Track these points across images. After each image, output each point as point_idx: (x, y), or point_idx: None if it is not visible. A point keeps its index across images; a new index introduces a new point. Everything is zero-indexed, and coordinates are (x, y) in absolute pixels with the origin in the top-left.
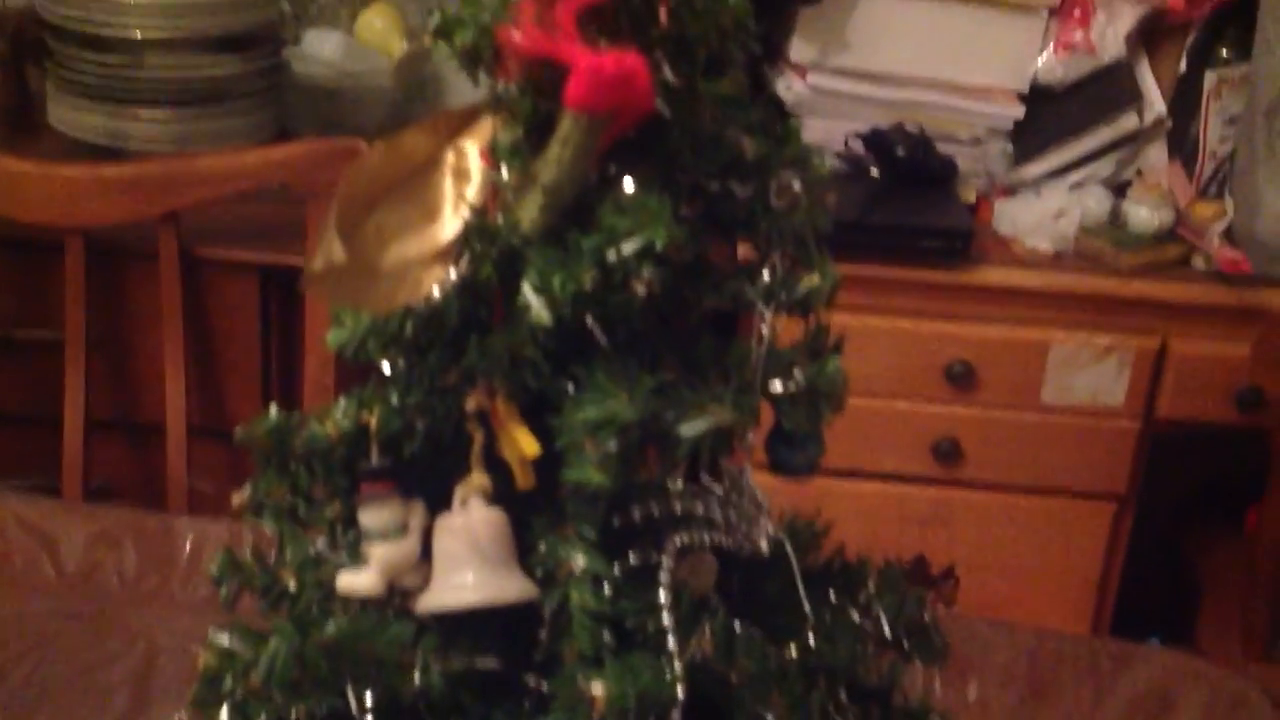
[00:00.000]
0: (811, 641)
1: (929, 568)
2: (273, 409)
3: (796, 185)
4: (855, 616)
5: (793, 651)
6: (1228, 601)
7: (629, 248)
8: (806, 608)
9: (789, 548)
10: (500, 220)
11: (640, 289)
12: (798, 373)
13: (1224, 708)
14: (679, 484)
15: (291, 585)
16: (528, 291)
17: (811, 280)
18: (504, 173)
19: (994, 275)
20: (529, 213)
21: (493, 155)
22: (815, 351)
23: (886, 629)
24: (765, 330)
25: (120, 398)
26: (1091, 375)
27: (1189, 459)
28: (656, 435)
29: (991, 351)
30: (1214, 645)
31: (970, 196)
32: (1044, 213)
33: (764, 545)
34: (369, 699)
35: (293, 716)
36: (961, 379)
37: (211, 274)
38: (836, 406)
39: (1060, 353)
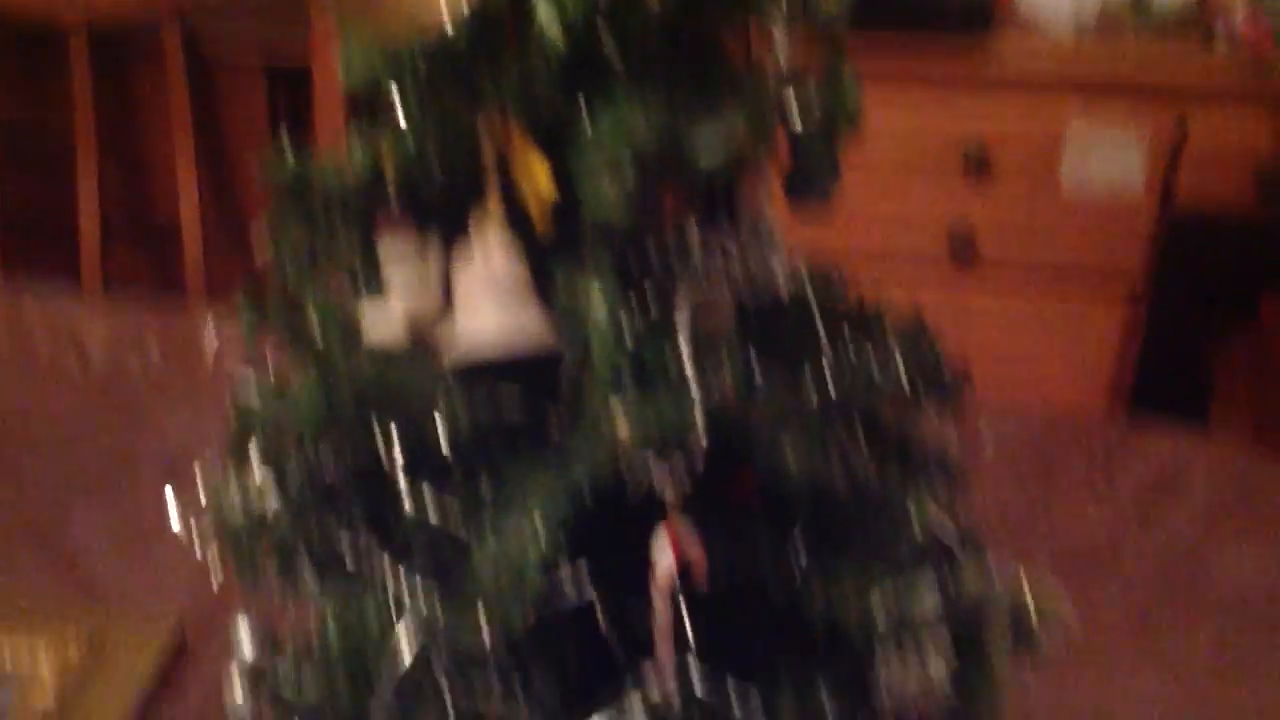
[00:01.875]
0: (830, 384)
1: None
2: (287, 148)
3: None
4: (872, 360)
5: (811, 393)
6: (1241, 391)
7: None
8: (826, 349)
9: (809, 290)
10: None
11: (655, 4)
12: (812, 92)
13: (1236, 483)
14: (695, 229)
15: (316, 333)
16: (541, 11)
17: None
18: None
19: (1012, 56)
20: None
21: None
22: (831, 73)
23: (903, 374)
24: (781, 51)
25: (134, 200)
26: (1109, 159)
27: (1205, 247)
28: (674, 163)
29: (1009, 135)
30: (1226, 435)
31: None
32: None
33: (781, 285)
34: (397, 446)
35: (324, 469)
36: (978, 167)
37: (219, 76)
38: (851, 123)
39: (1078, 135)
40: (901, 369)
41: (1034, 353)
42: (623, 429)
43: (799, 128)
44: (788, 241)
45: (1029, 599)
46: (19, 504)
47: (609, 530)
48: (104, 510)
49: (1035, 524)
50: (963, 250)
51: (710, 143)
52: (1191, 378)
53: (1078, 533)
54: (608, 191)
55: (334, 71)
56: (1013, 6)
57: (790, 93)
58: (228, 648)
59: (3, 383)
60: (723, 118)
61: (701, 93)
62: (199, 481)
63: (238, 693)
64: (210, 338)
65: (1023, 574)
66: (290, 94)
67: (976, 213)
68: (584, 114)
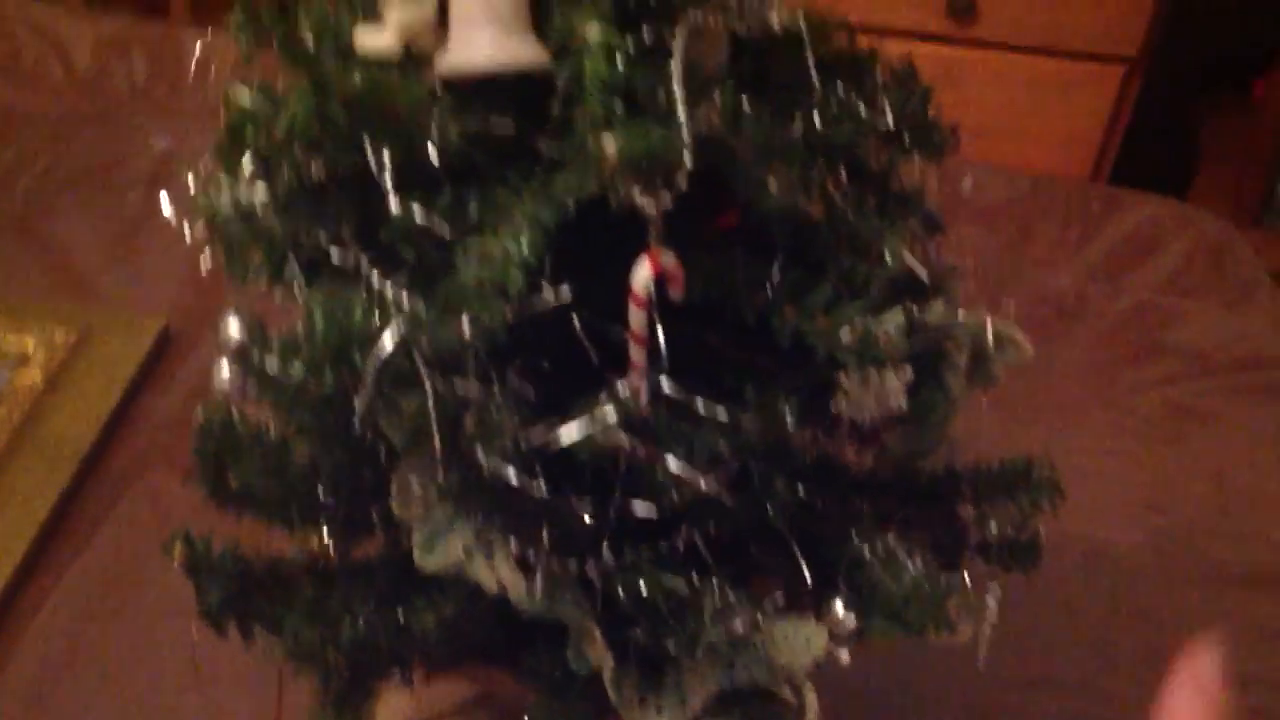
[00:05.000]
0: (817, 120)
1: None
2: None
3: None
4: (861, 104)
5: (798, 127)
6: (1225, 169)
7: None
8: (816, 85)
9: (803, 26)
10: None
11: None
12: None
13: (1208, 250)
14: None
15: (310, 44)
16: None
17: None
18: None
19: None
20: None
21: None
22: None
23: (890, 119)
24: None
25: None
26: None
27: (1203, 25)
28: None
29: None
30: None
31: None
32: None
33: (774, 20)
34: (386, 157)
35: (314, 173)
36: None
37: None
38: None
39: None
40: (889, 113)
41: (1025, 110)
42: (610, 150)
43: None
44: None
45: (989, 334)
46: (3, 200)
47: (590, 244)
48: (90, 210)
49: (1006, 275)
50: (962, 16)
51: None
52: (1177, 152)
53: (1048, 285)
54: None
55: None
56: None
57: None
58: (213, 343)
59: None
60: None
61: None
62: (188, 178)
63: (224, 371)
64: (198, 50)
65: (986, 312)
66: None
67: None
68: None
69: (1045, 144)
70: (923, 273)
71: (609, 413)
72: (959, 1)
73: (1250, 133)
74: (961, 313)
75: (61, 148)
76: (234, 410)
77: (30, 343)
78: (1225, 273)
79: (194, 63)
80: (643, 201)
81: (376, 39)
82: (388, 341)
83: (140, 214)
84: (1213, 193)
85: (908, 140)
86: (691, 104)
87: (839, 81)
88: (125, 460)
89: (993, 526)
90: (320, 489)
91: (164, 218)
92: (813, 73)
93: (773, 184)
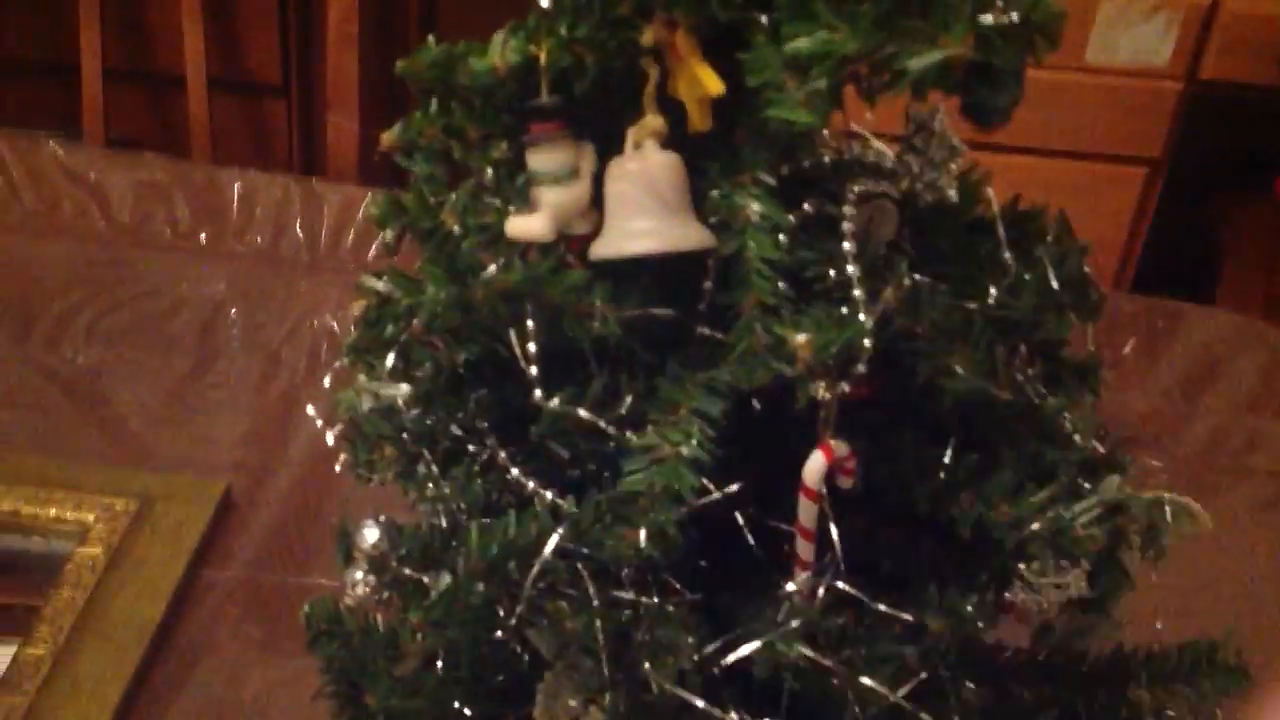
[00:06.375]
0: (993, 292)
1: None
2: (431, 40)
3: None
4: (1033, 273)
5: (974, 305)
6: (1251, 268)
7: None
8: (1006, 256)
9: (990, 195)
10: None
11: None
12: (1010, 2)
13: (1277, 364)
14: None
15: (455, 228)
16: None
17: None
18: None
19: None
20: None
21: None
22: None
23: (1053, 281)
24: None
25: (137, 47)
26: (1138, 34)
27: (1223, 125)
28: (872, 70)
29: None
30: (1235, 310)
31: None
32: None
33: (952, 193)
34: (532, 346)
35: (452, 362)
36: None
37: None
38: (1051, 41)
39: (1109, 9)
40: (1051, 275)
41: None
42: (799, 344)
43: (993, 40)
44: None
45: (1167, 509)
46: (51, 359)
47: (751, 433)
48: (142, 367)
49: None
50: None
51: (922, 51)
52: (1201, 251)
53: (1124, 409)
54: (793, 92)
55: None
56: None
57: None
58: (275, 512)
59: (28, 235)
60: (929, 20)
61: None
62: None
63: (357, 576)
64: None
65: (1160, 484)
66: None
67: None
68: (761, 15)
69: None
70: (1095, 444)
71: (789, 623)
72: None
73: (1274, 229)
74: (1133, 485)
75: (107, 300)
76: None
77: (90, 517)
78: None
79: (235, 205)
80: (821, 397)
81: (529, 224)
82: (548, 553)
83: (194, 368)
84: (1239, 290)
85: (1068, 305)
86: (868, 285)
87: (1007, 249)
88: (193, 633)
89: (1169, 713)
90: (456, 699)
91: (218, 371)
92: (1001, 246)
93: (958, 367)
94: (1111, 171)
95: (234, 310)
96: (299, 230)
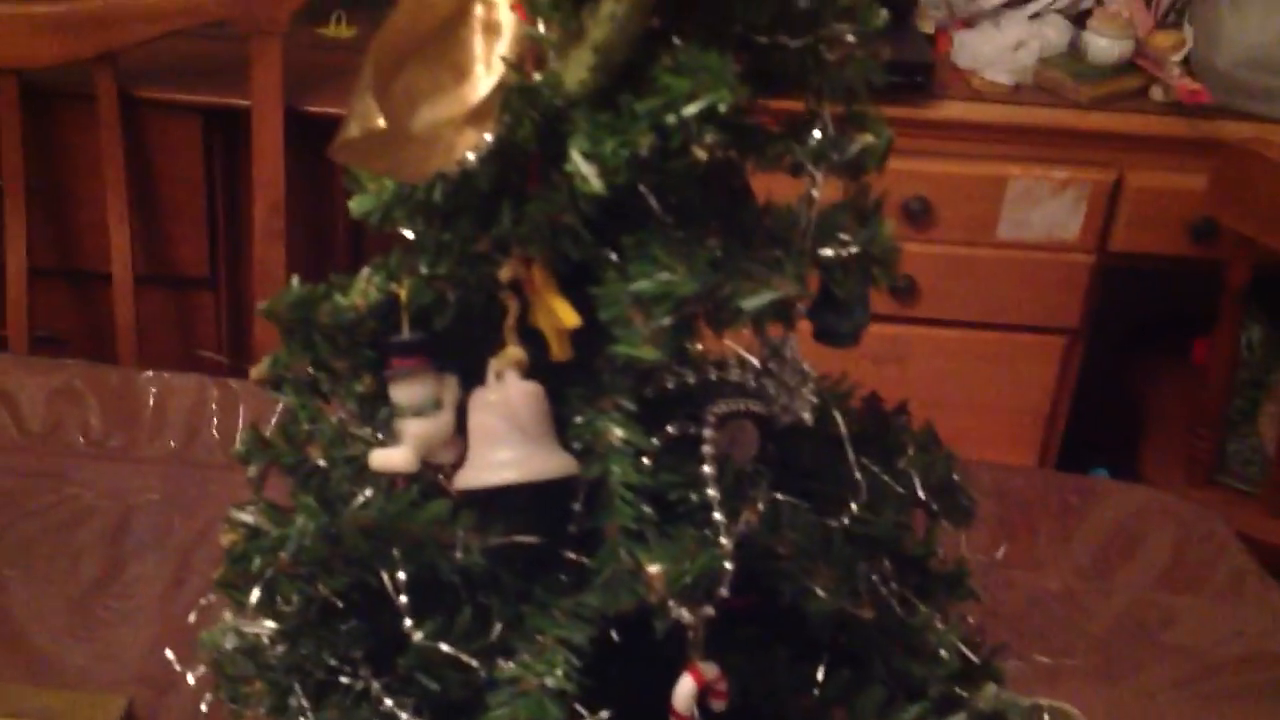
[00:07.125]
0: (855, 509)
1: (882, 404)
2: (295, 281)
3: (850, 37)
4: (895, 484)
5: (835, 521)
6: (1172, 431)
7: (690, 110)
8: (858, 476)
9: (839, 418)
10: (540, 79)
11: (701, 154)
12: (848, 238)
13: (1193, 540)
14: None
15: (321, 461)
16: (577, 158)
17: (865, 139)
18: (541, 27)
19: (952, 109)
20: (577, 73)
21: (529, 8)
22: (860, 214)
23: (919, 490)
24: (815, 193)
25: (62, 244)
26: (1048, 209)
27: (1138, 292)
28: (713, 308)
29: (949, 187)
30: (1158, 473)
31: (929, 28)
32: (1003, 44)
33: (807, 416)
34: (401, 576)
35: (321, 594)
36: (919, 216)
37: (152, 116)
38: (889, 273)
39: (1017, 187)
40: (917, 485)
41: (972, 382)
42: (654, 574)
43: (835, 272)
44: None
45: (1045, 714)
46: None
47: (619, 658)
48: (47, 581)
49: (993, 581)
50: (904, 297)
51: (756, 290)
52: (1124, 416)
53: (1037, 589)
54: (640, 329)
55: (272, 111)
56: (952, 61)
57: (823, 234)
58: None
59: None
60: (763, 262)
61: (731, 235)
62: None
63: None
64: (152, 396)
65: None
66: (226, 134)
67: (918, 258)
68: (610, 253)
69: (994, 413)
70: (975, 660)
71: None
72: (900, 283)
73: (1194, 392)
74: (1010, 693)
75: (15, 512)
76: None
77: None
78: (1213, 563)
79: (150, 408)
80: (684, 616)
81: (390, 456)
82: None
83: (101, 576)
84: (1162, 454)
85: (935, 509)
86: (728, 505)
87: (869, 460)
88: None
89: None
90: None
91: (126, 579)
92: (844, 459)
93: (819, 588)
94: (1033, 341)
95: (144, 514)
96: (215, 431)
